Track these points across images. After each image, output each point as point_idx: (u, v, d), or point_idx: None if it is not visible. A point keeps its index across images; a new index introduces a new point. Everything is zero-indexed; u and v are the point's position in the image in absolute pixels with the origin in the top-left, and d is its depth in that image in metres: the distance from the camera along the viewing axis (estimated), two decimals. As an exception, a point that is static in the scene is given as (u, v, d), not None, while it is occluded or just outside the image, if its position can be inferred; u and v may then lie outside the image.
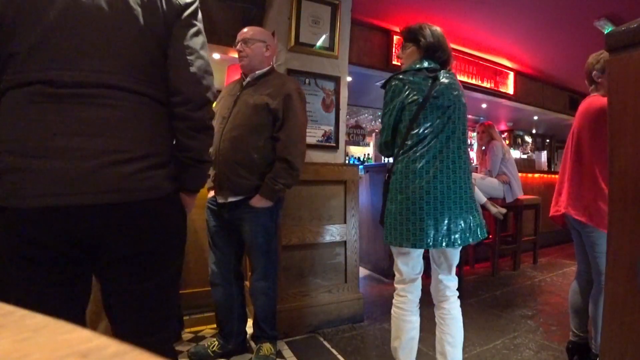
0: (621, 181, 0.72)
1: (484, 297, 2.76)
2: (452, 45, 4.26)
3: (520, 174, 3.65)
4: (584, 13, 3.28)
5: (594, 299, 1.64)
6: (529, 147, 8.89)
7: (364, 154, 7.04)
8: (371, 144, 7.19)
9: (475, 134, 4.11)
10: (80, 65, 0.79)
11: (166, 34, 0.90)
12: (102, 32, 0.81)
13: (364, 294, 2.38)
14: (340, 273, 2.30)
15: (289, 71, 2.18)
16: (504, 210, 3.21)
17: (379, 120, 7.88)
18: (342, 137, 2.38)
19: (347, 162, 3.08)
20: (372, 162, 6.60)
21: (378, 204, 3.51)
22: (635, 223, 0.69)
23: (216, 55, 3.05)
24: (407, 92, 1.39)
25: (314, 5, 2.25)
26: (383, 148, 1.50)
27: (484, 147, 3.55)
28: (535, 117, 6.67)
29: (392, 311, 1.48)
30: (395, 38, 3.83)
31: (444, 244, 1.32)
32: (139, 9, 0.85)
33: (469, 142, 1.40)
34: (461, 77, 4.33)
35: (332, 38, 2.31)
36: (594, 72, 1.65)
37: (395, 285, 1.49)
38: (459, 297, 1.48)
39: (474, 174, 3.31)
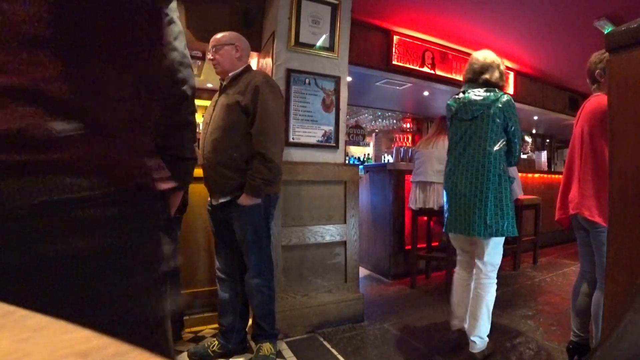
0: (621, 181, 0.72)
1: (484, 297, 2.76)
2: (453, 45, 4.30)
3: (520, 174, 3.65)
4: (584, 13, 3.28)
5: (596, 299, 1.63)
6: (529, 147, 8.89)
7: (364, 154, 7.04)
8: (371, 144, 7.19)
9: None
10: None
11: None
12: None
13: (364, 294, 2.38)
14: (340, 273, 2.30)
15: (289, 71, 2.19)
16: None
17: (379, 120, 7.85)
18: (342, 137, 2.38)
19: (347, 162, 3.09)
20: (372, 162, 6.60)
21: (378, 204, 3.53)
22: (635, 223, 0.69)
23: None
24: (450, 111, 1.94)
25: (314, 5, 2.25)
26: None
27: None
28: (535, 117, 6.66)
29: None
30: (395, 38, 3.83)
31: (460, 232, 1.80)
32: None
33: (496, 148, 1.72)
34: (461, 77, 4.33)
35: (332, 38, 2.31)
36: (597, 71, 1.64)
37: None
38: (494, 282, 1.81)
39: None
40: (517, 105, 1.88)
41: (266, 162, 1.61)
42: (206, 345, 1.81)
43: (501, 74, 1.85)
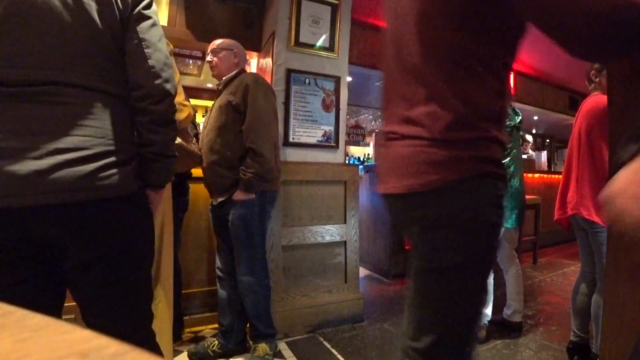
0: (621, 181, 0.71)
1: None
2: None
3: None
4: (584, 13, 3.28)
5: (596, 299, 1.64)
6: (529, 147, 8.89)
7: (364, 154, 7.03)
8: (371, 144, 7.19)
9: None
10: (27, 63, 0.76)
11: (121, 28, 0.88)
12: (50, 28, 0.78)
13: (364, 294, 2.38)
14: (340, 273, 2.30)
15: (289, 71, 2.19)
16: None
17: (379, 120, 7.87)
18: (342, 137, 2.38)
19: (347, 162, 3.08)
20: (372, 162, 6.60)
21: (378, 203, 3.53)
22: (635, 223, 0.68)
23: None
24: None
25: (314, 5, 2.25)
26: None
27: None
28: (536, 117, 6.67)
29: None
30: (395, 38, 3.82)
31: None
32: (92, 4, 0.83)
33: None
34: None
35: (332, 38, 2.31)
36: (592, 72, 1.67)
37: None
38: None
39: None
40: (517, 105, 1.88)
41: (256, 157, 1.62)
42: (206, 345, 1.81)
43: None
